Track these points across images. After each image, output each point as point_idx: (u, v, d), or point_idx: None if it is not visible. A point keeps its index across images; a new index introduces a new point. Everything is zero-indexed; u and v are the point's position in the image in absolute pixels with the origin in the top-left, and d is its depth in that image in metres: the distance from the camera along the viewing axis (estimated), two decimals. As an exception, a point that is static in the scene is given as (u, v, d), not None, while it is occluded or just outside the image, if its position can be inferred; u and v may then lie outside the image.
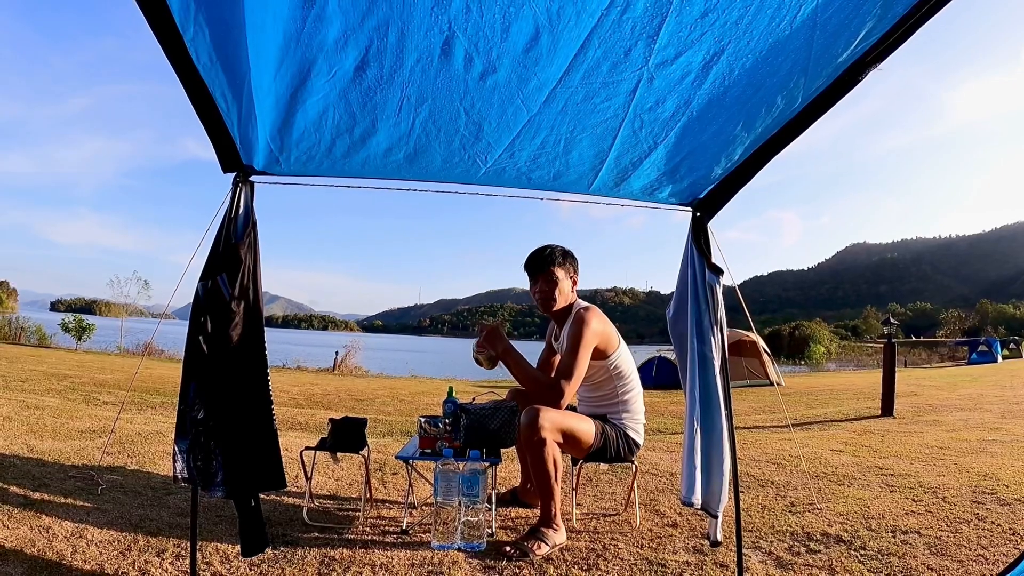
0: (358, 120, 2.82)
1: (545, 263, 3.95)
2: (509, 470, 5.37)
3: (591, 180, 3.37)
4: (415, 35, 2.31)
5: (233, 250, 2.90)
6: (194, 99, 2.51)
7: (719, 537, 3.30)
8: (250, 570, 3.05)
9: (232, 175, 3.02)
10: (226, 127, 2.74)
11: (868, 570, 3.22)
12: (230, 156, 2.94)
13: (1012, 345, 40.80)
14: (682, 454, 3.32)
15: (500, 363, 3.81)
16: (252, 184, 3.10)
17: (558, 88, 2.60)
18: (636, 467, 4.03)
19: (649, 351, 22.77)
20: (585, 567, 3.26)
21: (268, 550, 3.27)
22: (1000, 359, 33.53)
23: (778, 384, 19.27)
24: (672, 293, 3.59)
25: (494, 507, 3.88)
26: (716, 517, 3.27)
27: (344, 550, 3.37)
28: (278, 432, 3.05)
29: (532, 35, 2.30)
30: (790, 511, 4.27)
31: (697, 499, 3.21)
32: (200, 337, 2.86)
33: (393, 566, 3.19)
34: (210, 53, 2.31)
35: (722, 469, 3.23)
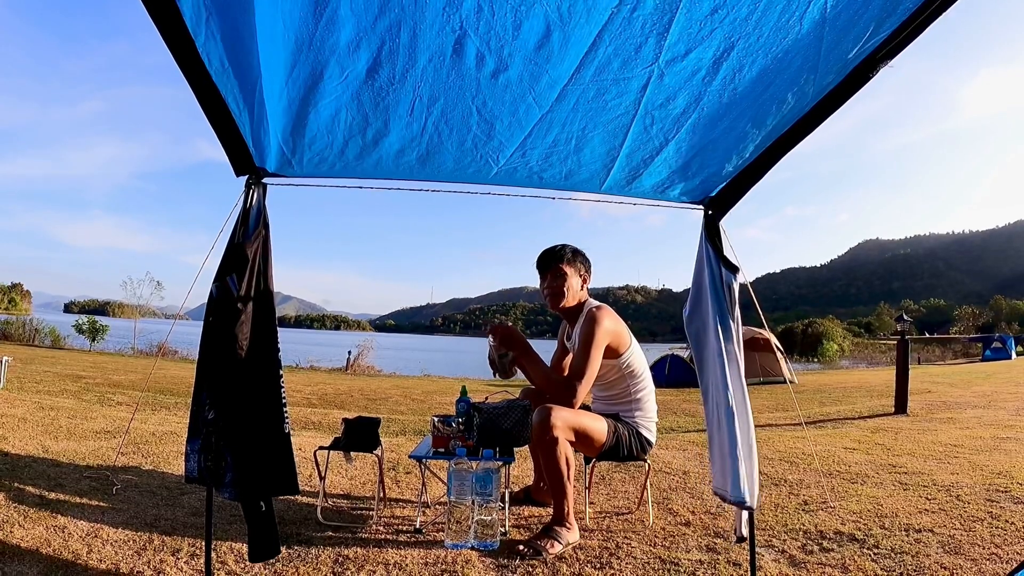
0: (370, 121, 2.84)
1: (554, 259, 3.95)
2: (522, 469, 5.38)
3: (603, 178, 3.38)
4: (427, 35, 2.33)
5: (243, 250, 2.91)
6: (206, 104, 2.52)
7: (744, 532, 3.21)
8: (264, 569, 3.06)
9: (245, 177, 3.03)
10: (238, 131, 2.75)
11: (881, 569, 3.21)
12: (243, 159, 2.95)
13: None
14: (719, 452, 3.23)
15: (513, 370, 3.82)
16: (265, 185, 3.11)
17: (569, 85, 2.61)
18: (649, 466, 4.03)
19: (662, 349, 22.74)
20: (598, 565, 3.26)
21: (283, 549, 3.29)
22: (1014, 355, 33.30)
23: (791, 382, 19.21)
24: (687, 290, 3.59)
25: (507, 506, 3.88)
26: (750, 509, 3.17)
27: (358, 549, 3.38)
28: (291, 435, 3.05)
29: (543, 33, 2.31)
30: (803, 509, 4.26)
31: (747, 497, 3.09)
32: (212, 338, 2.87)
33: (407, 565, 3.20)
34: (222, 58, 2.33)
35: (751, 462, 3.17)
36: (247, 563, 3.09)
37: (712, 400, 3.32)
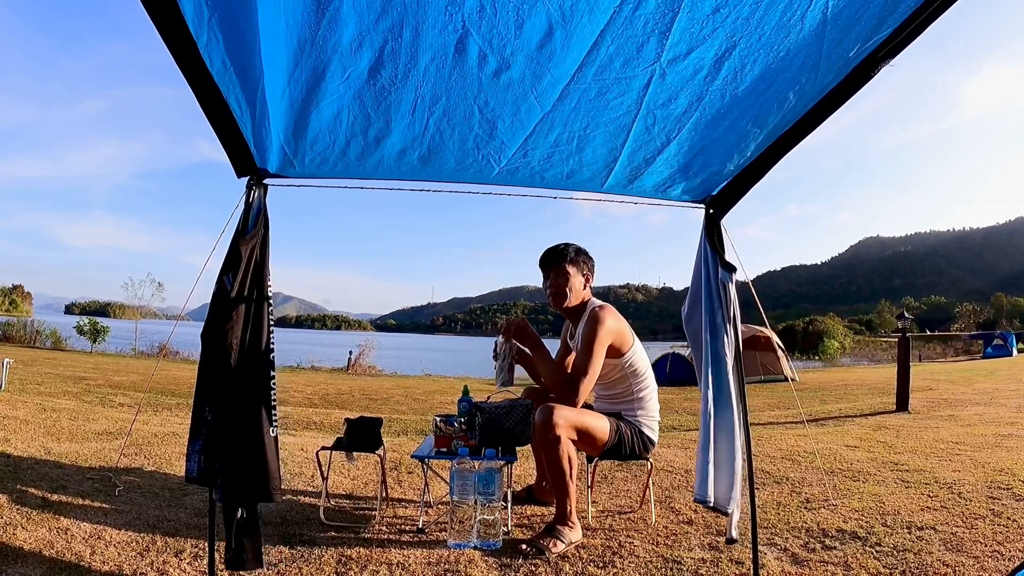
0: (372, 121, 2.83)
1: (557, 258, 3.97)
2: (524, 468, 5.38)
3: (604, 178, 3.38)
4: (429, 34, 2.32)
5: (238, 248, 2.90)
6: (207, 105, 2.51)
7: (735, 534, 3.29)
8: (267, 570, 3.06)
9: (246, 178, 3.03)
10: (240, 132, 2.74)
11: (883, 566, 3.21)
12: (244, 160, 2.94)
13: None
14: (697, 451, 3.32)
15: (512, 376, 3.85)
16: (266, 186, 3.11)
17: (571, 85, 2.61)
18: (651, 464, 4.04)
19: (663, 348, 22.74)
20: (601, 564, 3.27)
21: (285, 550, 3.29)
22: (1016, 352, 33.26)
23: (792, 379, 19.21)
24: (687, 289, 3.59)
25: (510, 505, 3.89)
26: (727, 514, 3.27)
27: (361, 549, 3.39)
28: (278, 439, 3.01)
29: (545, 31, 2.31)
30: (805, 507, 4.27)
31: (711, 497, 3.22)
32: (209, 338, 2.87)
33: (410, 565, 3.20)
34: (224, 59, 2.32)
35: (732, 467, 3.23)
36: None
37: (702, 400, 3.35)
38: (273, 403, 2.97)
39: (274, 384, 2.98)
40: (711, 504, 3.23)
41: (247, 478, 2.88)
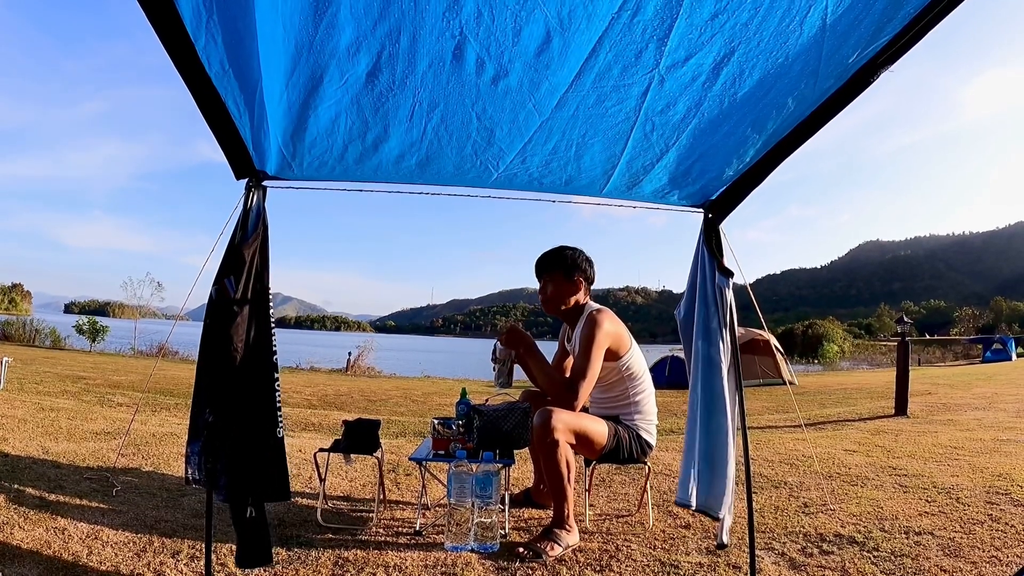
0: (370, 126, 2.83)
1: (549, 265, 3.97)
2: (522, 471, 5.38)
3: (603, 185, 3.38)
4: (427, 40, 2.32)
5: (240, 252, 2.91)
6: (205, 107, 2.51)
7: (725, 539, 3.30)
8: (264, 572, 3.06)
9: (245, 180, 3.03)
10: (238, 134, 2.75)
11: (881, 571, 3.21)
12: (243, 162, 2.95)
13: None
14: (682, 455, 3.34)
15: (511, 379, 3.85)
16: (265, 188, 3.11)
17: (569, 92, 2.60)
18: (649, 468, 4.03)
19: (662, 350, 22.71)
20: (598, 568, 3.26)
21: (282, 552, 3.29)
22: (1015, 357, 33.28)
23: (791, 383, 19.20)
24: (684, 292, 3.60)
25: (507, 508, 3.88)
26: (718, 519, 3.28)
27: (358, 551, 3.38)
28: (284, 439, 3.03)
29: (543, 38, 2.30)
30: (803, 512, 4.26)
31: (693, 501, 3.23)
32: (210, 340, 2.87)
33: (406, 567, 3.20)
34: (222, 61, 2.32)
35: (725, 472, 3.24)
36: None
37: (689, 403, 3.37)
38: (278, 405, 2.99)
39: (278, 386, 3.00)
40: (694, 507, 3.26)
41: (259, 478, 2.93)
